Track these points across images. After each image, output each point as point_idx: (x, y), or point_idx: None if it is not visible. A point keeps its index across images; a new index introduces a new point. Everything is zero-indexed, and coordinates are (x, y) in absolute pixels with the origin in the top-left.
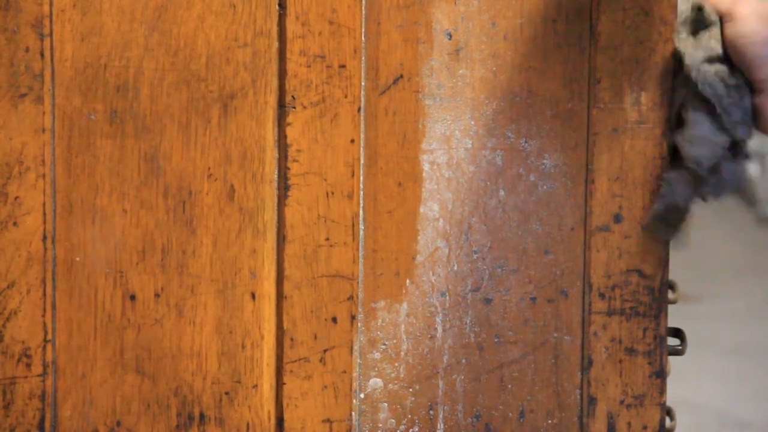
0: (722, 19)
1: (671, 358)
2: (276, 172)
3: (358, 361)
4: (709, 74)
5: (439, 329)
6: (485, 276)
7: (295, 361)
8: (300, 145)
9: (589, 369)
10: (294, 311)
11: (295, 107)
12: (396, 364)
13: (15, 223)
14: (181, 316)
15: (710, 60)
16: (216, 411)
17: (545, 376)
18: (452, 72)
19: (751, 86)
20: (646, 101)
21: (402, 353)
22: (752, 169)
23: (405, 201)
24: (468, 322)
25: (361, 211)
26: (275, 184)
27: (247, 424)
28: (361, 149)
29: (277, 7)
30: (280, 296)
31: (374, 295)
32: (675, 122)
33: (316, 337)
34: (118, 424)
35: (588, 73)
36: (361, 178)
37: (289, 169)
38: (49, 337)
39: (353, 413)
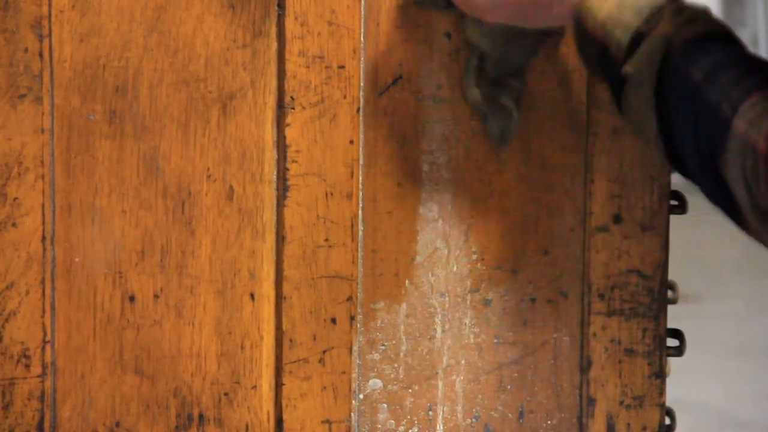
0: None
1: (671, 359)
2: (275, 173)
3: (357, 361)
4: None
5: (439, 330)
6: (484, 277)
7: (295, 361)
8: (299, 145)
9: (588, 370)
10: (293, 312)
11: (294, 108)
12: (395, 365)
13: (14, 224)
14: (180, 316)
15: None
16: (215, 411)
17: (545, 376)
18: (451, 73)
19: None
20: None
21: (401, 354)
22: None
23: (404, 201)
24: (467, 322)
25: (360, 212)
26: (274, 185)
27: (247, 425)
28: (360, 150)
29: (276, 7)
30: (279, 297)
31: (373, 296)
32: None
33: (315, 338)
34: (118, 424)
35: (587, 73)
36: (360, 178)
37: (288, 169)
38: (48, 337)
39: (352, 414)
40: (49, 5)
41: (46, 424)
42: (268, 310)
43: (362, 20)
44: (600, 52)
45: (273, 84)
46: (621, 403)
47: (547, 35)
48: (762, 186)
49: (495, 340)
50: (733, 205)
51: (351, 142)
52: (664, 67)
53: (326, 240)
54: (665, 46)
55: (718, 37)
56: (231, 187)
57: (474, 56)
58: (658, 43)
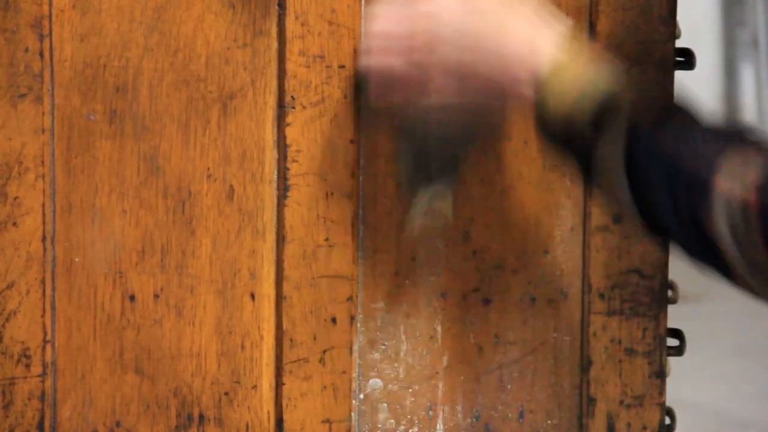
0: None
1: (671, 359)
2: (275, 173)
3: (358, 361)
4: None
5: (439, 329)
6: (484, 276)
7: (295, 361)
8: (299, 145)
9: (588, 369)
10: (293, 312)
11: (294, 107)
12: (395, 365)
13: (14, 224)
14: (180, 316)
15: None
16: (215, 411)
17: (545, 376)
18: None
19: None
20: None
21: (401, 354)
22: None
23: (404, 201)
24: (467, 322)
25: (360, 212)
26: (275, 185)
27: (247, 425)
28: (361, 149)
29: (276, 7)
30: (279, 297)
31: (374, 296)
32: None
33: (315, 338)
34: (118, 424)
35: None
36: (361, 178)
37: (288, 169)
38: (49, 337)
39: (353, 414)
40: (50, 5)
41: (47, 424)
42: (268, 310)
43: (362, 20)
44: (565, 126)
45: (273, 83)
46: (621, 402)
47: (485, 120)
48: (755, 240)
49: (495, 340)
50: (721, 261)
51: (351, 141)
52: (632, 138)
53: (326, 240)
54: (632, 118)
55: (680, 108)
56: (231, 186)
57: (408, 156)
58: (624, 116)
